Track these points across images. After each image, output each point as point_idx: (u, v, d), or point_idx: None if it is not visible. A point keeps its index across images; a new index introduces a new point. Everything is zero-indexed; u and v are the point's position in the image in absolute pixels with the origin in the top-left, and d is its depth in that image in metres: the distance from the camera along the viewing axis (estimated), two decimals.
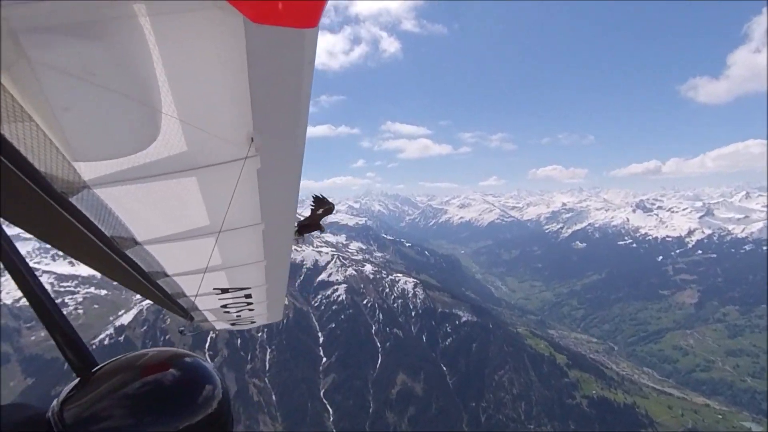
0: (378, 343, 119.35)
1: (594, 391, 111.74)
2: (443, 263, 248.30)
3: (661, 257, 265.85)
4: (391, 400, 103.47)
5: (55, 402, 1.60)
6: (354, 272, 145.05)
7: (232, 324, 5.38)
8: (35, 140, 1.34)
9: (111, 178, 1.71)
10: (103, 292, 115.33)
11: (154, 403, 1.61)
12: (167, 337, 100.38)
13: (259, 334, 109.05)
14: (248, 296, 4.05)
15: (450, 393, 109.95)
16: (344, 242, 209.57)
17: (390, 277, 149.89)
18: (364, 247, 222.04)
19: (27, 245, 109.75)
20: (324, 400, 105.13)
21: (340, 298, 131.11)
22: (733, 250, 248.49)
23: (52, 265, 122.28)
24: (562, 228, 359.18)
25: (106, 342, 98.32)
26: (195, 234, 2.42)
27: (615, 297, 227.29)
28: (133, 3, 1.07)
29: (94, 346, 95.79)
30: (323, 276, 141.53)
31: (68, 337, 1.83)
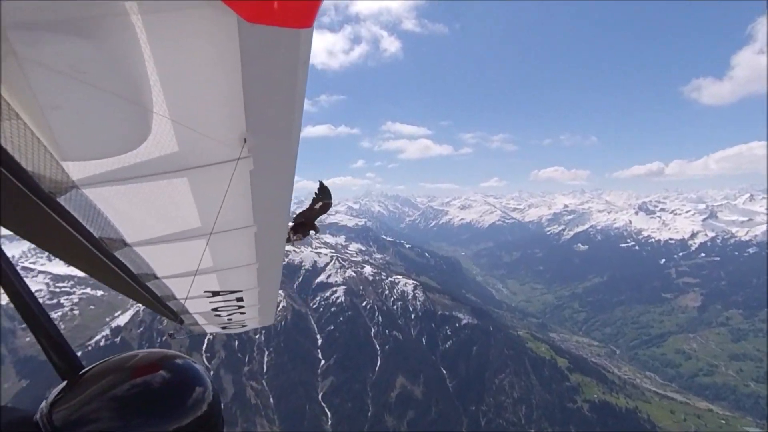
0: (377, 346, 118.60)
1: (595, 395, 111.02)
2: (443, 265, 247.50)
3: (663, 260, 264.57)
4: (390, 404, 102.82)
5: (43, 404, 1.61)
6: (353, 274, 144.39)
7: (223, 327, 5.34)
8: (22, 139, 1.32)
9: (100, 178, 1.69)
10: (99, 292, 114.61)
11: (143, 405, 1.61)
12: (164, 338, 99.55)
13: (257, 336, 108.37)
14: (240, 299, 4.03)
15: (450, 396, 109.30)
16: (343, 243, 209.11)
17: (390, 278, 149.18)
18: (363, 249, 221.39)
19: (22, 245, 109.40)
20: (322, 403, 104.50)
21: (339, 300, 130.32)
22: (736, 253, 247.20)
23: (47, 266, 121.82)
24: (563, 230, 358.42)
25: (102, 343, 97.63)
26: (186, 236, 2.41)
27: (617, 300, 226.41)
28: (125, 1, 1.06)
29: (89, 348, 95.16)
30: (322, 277, 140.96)
31: (53, 340, 1.83)
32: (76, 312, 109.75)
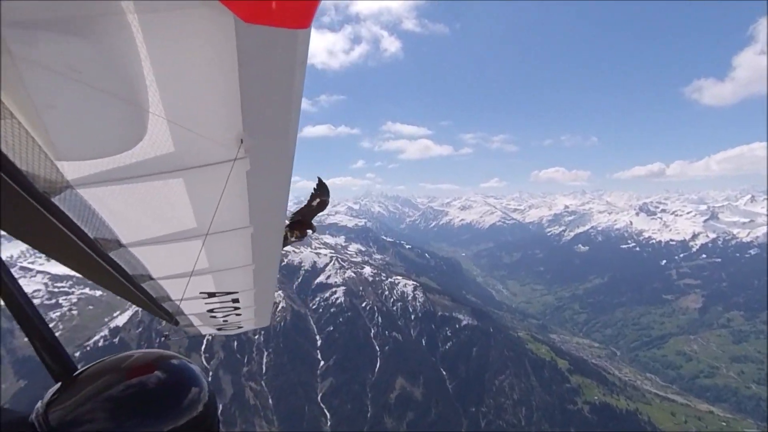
0: (377, 347, 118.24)
1: (596, 397, 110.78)
2: (443, 266, 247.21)
3: (664, 261, 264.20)
4: (389, 405, 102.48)
5: (39, 404, 1.61)
6: (353, 274, 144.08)
7: (219, 329, 5.29)
8: (17, 138, 1.30)
9: (95, 178, 1.68)
10: (98, 293, 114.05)
11: (138, 405, 1.62)
12: (162, 339, 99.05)
13: (256, 337, 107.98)
14: (235, 300, 3.98)
15: (450, 398, 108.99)
16: (343, 244, 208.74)
17: (389, 279, 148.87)
18: (363, 249, 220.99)
19: (21, 245, 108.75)
20: (321, 404, 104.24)
21: (338, 301, 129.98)
22: (737, 255, 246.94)
23: (46, 266, 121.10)
24: (564, 231, 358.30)
25: (100, 344, 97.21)
26: (181, 236, 2.40)
27: (618, 301, 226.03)
28: (121, 0, 1.05)
29: (88, 348, 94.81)
30: (321, 278, 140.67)
31: (47, 341, 1.82)
32: (75, 312, 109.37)
